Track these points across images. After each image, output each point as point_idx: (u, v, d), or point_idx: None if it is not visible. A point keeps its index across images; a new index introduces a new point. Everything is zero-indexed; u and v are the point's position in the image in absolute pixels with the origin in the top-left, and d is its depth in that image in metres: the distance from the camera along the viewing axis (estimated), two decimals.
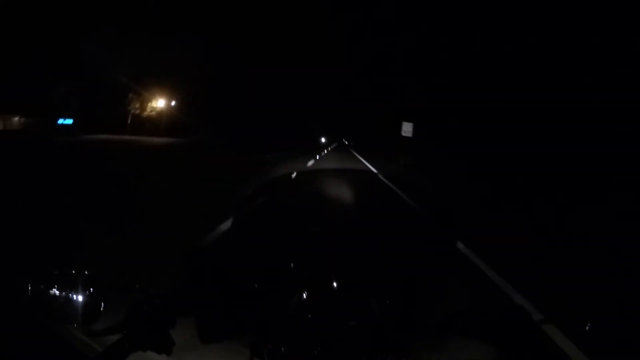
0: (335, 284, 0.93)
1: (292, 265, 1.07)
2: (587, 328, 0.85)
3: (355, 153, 34.64)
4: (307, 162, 16.91)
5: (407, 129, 18.07)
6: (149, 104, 36.19)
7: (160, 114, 36.87)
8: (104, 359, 0.71)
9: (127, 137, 30.56)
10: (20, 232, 3.91)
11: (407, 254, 1.31)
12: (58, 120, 29.99)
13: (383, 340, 0.81)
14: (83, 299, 0.79)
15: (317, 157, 22.32)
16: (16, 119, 27.64)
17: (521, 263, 3.97)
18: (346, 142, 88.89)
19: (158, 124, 36.27)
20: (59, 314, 0.80)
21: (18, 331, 0.84)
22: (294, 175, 9.39)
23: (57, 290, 0.80)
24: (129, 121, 34.74)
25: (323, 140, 68.68)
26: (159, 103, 36.44)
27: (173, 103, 36.55)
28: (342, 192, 7.52)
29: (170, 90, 35.54)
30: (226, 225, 4.18)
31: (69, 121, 30.70)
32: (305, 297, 0.86)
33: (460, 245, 4.19)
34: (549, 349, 0.95)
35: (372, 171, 14.57)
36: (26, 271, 0.84)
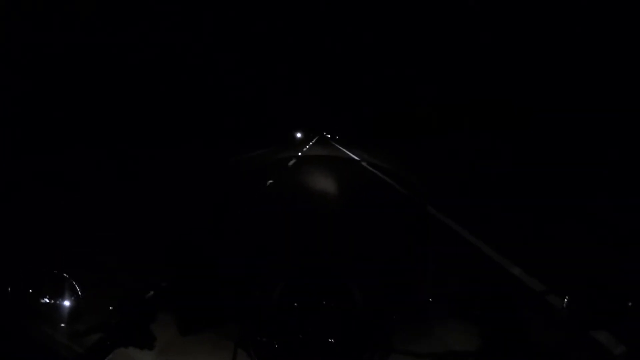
0: (316, 272, 0.93)
1: (273, 255, 1.07)
2: (564, 303, 0.86)
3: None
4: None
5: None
6: None
7: None
8: (87, 357, 0.70)
9: None
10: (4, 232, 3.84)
11: (384, 221, 1.32)
12: None
13: (366, 325, 0.82)
14: (66, 299, 0.78)
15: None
16: None
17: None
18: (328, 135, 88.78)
19: None
20: (42, 315, 0.79)
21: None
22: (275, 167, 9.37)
23: (39, 291, 0.79)
24: None
25: (299, 135, 57.64)
26: None
27: None
28: (326, 179, 7.58)
29: None
30: (207, 217, 4.18)
31: None
32: (286, 286, 0.86)
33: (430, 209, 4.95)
34: (532, 328, 0.97)
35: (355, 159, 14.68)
36: (7, 272, 0.82)
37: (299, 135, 56.21)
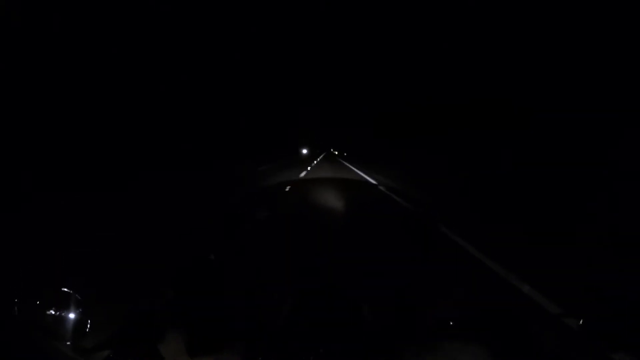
0: (326, 292, 0.92)
1: (283, 275, 1.07)
2: (580, 324, 0.84)
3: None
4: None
5: None
6: None
7: None
8: None
9: None
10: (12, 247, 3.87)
11: (393, 237, 1.31)
12: None
13: (375, 345, 0.81)
14: (72, 315, 0.78)
15: None
16: None
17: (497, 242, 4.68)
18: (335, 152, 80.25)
19: None
20: (48, 331, 0.79)
21: (5, 349, 0.82)
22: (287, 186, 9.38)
23: (46, 307, 0.79)
24: None
25: (305, 152, 54.97)
26: None
27: None
28: (337, 200, 7.58)
29: None
30: (216, 233, 4.17)
31: None
32: (295, 305, 0.86)
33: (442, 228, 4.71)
34: (542, 349, 0.94)
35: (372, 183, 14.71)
36: (14, 288, 0.83)
37: (304, 151, 55.28)
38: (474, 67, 16.92)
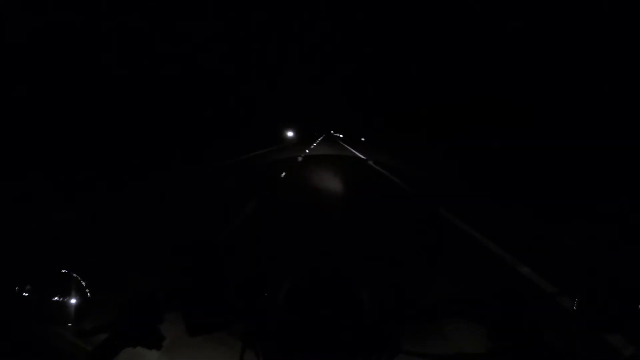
0: (323, 274, 0.92)
1: (281, 256, 1.07)
2: (575, 305, 0.85)
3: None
4: None
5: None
6: None
7: None
8: (96, 357, 0.71)
9: None
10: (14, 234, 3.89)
11: (393, 221, 1.31)
12: None
13: (374, 326, 0.81)
14: (73, 299, 0.78)
15: None
16: None
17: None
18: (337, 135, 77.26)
19: None
20: (49, 315, 0.80)
21: (6, 334, 0.83)
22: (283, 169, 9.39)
23: (46, 291, 0.79)
24: None
25: (291, 135, 37.31)
26: None
27: None
28: (335, 181, 7.55)
29: None
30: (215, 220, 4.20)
31: None
32: (292, 287, 0.86)
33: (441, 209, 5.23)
34: (542, 329, 0.95)
35: (362, 158, 14.60)
36: (15, 273, 0.83)
37: (290, 134, 37.08)
38: (473, 67, 16.72)
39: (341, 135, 67.84)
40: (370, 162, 13.53)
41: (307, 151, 20.22)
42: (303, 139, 38.80)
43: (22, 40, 10.41)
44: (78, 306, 0.79)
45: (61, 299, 0.79)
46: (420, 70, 23.27)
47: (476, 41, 16.41)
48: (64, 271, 0.81)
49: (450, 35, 19.29)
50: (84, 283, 0.80)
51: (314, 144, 29.91)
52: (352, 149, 22.97)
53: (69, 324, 0.79)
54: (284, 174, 9.52)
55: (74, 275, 0.81)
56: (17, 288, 0.79)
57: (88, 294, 0.80)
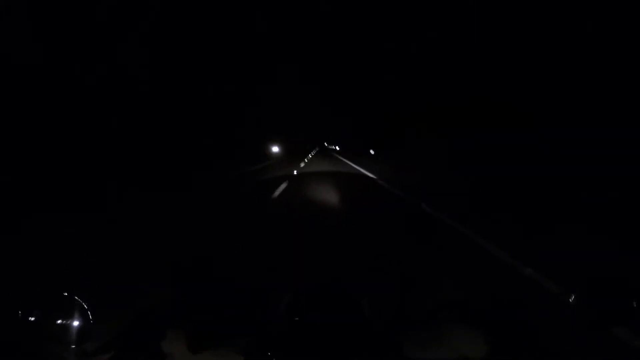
0: (326, 288, 0.93)
1: (281, 271, 1.08)
2: (571, 301, 0.85)
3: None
4: None
5: None
6: None
7: None
8: None
9: None
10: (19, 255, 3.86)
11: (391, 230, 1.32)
12: None
13: (375, 336, 0.82)
14: (76, 321, 0.79)
15: None
16: None
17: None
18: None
19: None
20: (52, 336, 0.80)
21: (11, 356, 0.83)
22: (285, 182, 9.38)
23: (50, 314, 0.80)
24: None
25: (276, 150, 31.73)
26: None
27: None
28: (334, 194, 7.56)
29: None
30: (215, 233, 4.17)
31: None
32: (295, 302, 0.87)
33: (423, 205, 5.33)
34: (542, 329, 0.96)
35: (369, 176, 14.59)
36: (19, 294, 0.84)
37: (275, 149, 32.55)
38: (472, 67, 16.84)
39: (337, 147, 57.50)
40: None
41: (295, 172, 17.45)
42: (292, 155, 33.83)
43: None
44: (80, 328, 0.79)
45: (64, 322, 0.79)
46: (421, 71, 23.36)
47: (476, 41, 16.54)
48: (65, 294, 0.82)
49: (450, 35, 19.43)
50: (86, 306, 0.81)
51: (306, 160, 26.70)
52: (356, 165, 21.25)
53: (72, 346, 0.79)
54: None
55: (76, 298, 0.82)
56: (21, 311, 0.80)
57: (90, 316, 0.80)
